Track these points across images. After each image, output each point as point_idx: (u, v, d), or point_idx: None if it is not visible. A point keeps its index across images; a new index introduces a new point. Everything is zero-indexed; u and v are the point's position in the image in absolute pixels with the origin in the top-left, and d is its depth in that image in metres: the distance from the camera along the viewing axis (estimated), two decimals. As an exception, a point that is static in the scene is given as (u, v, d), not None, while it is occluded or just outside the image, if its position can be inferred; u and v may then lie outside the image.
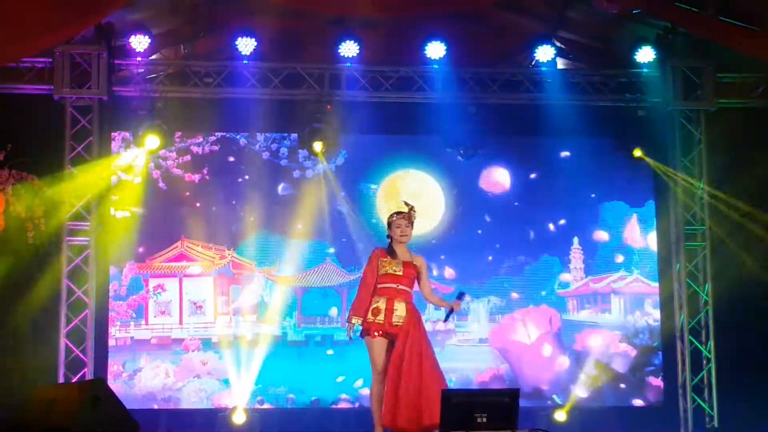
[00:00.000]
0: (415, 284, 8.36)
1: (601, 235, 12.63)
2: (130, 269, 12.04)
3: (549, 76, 12.29)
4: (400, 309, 8.13)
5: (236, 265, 12.22)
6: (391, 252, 8.28)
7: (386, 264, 8.21)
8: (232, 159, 12.37)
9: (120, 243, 11.98)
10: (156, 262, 12.12)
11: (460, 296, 8.42)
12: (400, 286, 8.18)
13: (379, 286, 8.20)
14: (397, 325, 8.10)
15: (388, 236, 8.36)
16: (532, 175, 12.61)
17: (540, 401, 12.21)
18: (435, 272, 12.23)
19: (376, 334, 8.11)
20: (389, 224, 8.37)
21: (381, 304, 8.13)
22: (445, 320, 8.70)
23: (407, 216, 8.30)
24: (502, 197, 12.56)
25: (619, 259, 12.61)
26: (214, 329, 12.10)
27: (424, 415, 7.90)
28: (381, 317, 8.11)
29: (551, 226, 12.50)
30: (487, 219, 12.49)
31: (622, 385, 12.39)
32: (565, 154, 12.54)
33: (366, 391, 12.04)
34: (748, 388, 11.66)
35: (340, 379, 12.12)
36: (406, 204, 8.38)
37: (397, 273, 8.18)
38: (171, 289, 12.13)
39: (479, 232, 12.54)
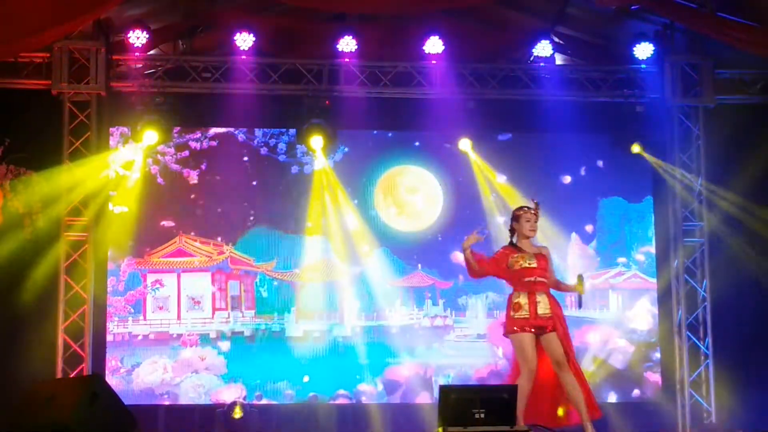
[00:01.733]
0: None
1: (600, 231, 12.63)
2: (128, 264, 12.04)
3: (547, 72, 12.29)
4: (543, 301, 8.10)
5: (234, 260, 12.22)
6: (517, 248, 8.25)
7: (519, 259, 8.17)
8: (230, 154, 12.36)
9: (118, 238, 11.99)
10: (154, 258, 12.11)
11: (581, 279, 8.27)
12: (538, 278, 8.14)
13: (516, 282, 8.15)
14: (544, 317, 8.06)
15: (512, 229, 8.31)
16: (530, 171, 12.60)
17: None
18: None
19: (526, 329, 8.06)
20: (517, 217, 8.27)
21: (522, 299, 8.09)
22: (580, 307, 8.54)
23: (536, 211, 8.28)
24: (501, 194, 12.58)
25: (617, 255, 12.61)
26: (212, 325, 12.11)
27: (572, 413, 8.01)
28: (524, 312, 8.05)
29: (549, 222, 12.50)
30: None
31: (620, 381, 12.39)
32: (563, 149, 12.49)
33: (364, 387, 12.09)
34: (745, 384, 11.68)
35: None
36: (533, 201, 8.35)
37: (532, 266, 8.13)
38: (169, 284, 12.13)
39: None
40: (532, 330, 8.06)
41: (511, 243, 8.30)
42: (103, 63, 11.66)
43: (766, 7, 10.68)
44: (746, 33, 10.97)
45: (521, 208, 8.33)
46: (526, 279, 8.13)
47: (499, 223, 12.30)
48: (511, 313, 8.12)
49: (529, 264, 8.14)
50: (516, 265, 8.16)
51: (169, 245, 12.15)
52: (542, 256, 8.21)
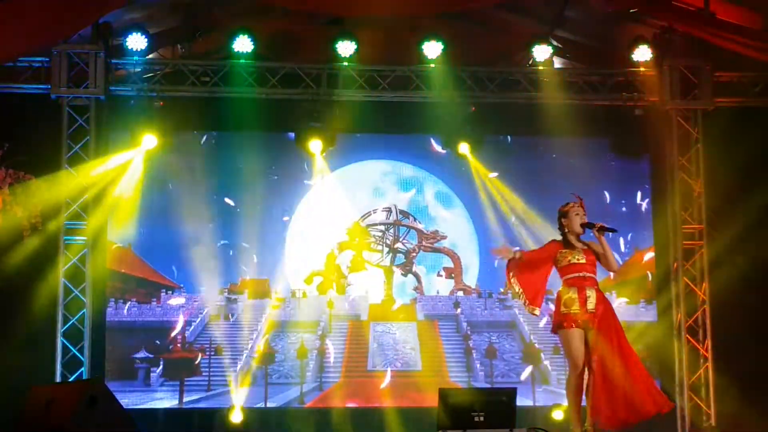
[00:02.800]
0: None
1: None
2: (127, 269, 12.05)
3: (546, 75, 12.29)
4: (592, 296, 8.09)
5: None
6: (567, 243, 8.25)
7: (567, 255, 8.19)
8: (228, 159, 12.35)
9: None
10: (152, 262, 12.14)
11: (592, 227, 8.25)
12: (587, 274, 8.14)
13: (564, 277, 8.18)
14: (591, 312, 8.04)
15: (562, 226, 8.31)
16: (529, 175, 12.60)
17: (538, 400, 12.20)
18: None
19: (573, 325, 8.04)
20: (565, 213, 8.29)
21: (573, 293, 8.09)
22: (613, 230, 8.39)
23: (581, 204, 8.27)
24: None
25: (616, 258, 12.58)
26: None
27: (629, 411, 7.94)
28: (576, 307, 8.05)
29: (548, 227, 12.49)
30: (487, 220, 12.48)
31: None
32: (562, 153, 12.49)
33: (364, 391, 12.08)
34: (745, 387, 11.65)
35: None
36: (576, 196, 8.35)
37: (581, 261, 8.14)
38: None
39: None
40: (581, 325, 8.02)
41: (562, 238, 8.28)
42: (103, 67, 11.66)
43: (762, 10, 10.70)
44: (744, 36, 10.98)
45: (567, 204, 8.32)
46: (574, 275, 8.12)
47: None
48: (561, 309, 8.10)
49: (578, 260, 8.14)
50: (564, 261, 8.18)
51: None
52: (590, 252, 8.19)
